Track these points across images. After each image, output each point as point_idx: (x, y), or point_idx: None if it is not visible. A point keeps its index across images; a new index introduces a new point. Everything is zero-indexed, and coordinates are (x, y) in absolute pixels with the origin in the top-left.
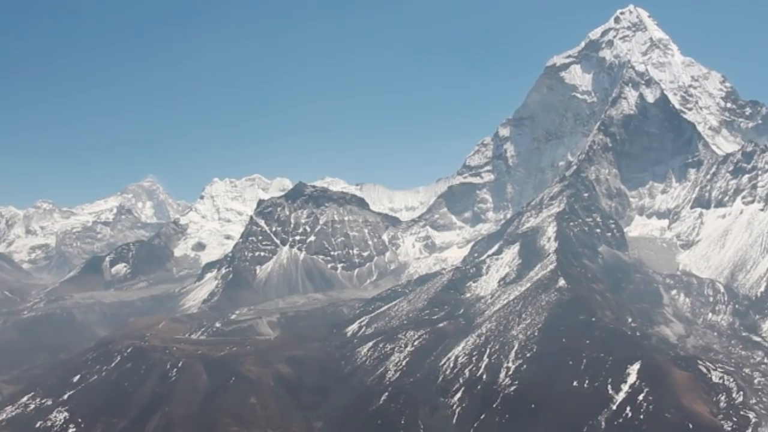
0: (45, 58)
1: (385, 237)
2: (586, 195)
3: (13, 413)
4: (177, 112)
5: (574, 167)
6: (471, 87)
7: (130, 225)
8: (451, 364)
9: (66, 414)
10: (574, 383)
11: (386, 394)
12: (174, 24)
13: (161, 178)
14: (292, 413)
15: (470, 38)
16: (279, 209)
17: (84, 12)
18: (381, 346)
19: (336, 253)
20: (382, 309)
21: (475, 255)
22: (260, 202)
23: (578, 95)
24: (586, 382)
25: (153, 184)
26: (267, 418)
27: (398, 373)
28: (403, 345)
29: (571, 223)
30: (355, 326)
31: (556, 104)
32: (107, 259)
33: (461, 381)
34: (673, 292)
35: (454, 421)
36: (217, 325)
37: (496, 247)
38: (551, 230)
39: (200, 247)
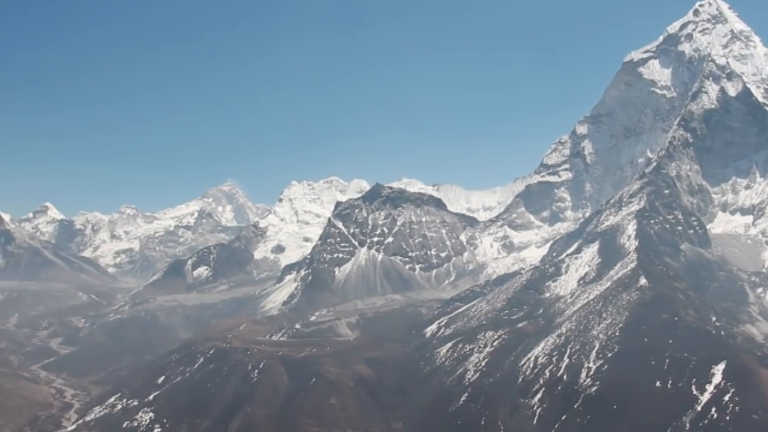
0: (127, 64)
1: (462, 237)
2: (666, 192)
3: (101, 413)
4: (256, 115)
5: (654, 164)
6: (547, 85)
7: (211, 229)
8: (531, 365)
9: (151, 414)
10: (657, 384)
11: (466, 394)
12: (252, 27)
13: (240, 181)
14: (372, 414)
15: (546, 35)
16: (357, 211)
17: (161, 16)
18: (460, 346)
19: (414, 254)
20: (460, 309)
21: (554, 254)
22: (338, 204)
23: (657, 90)
24: (670, 382)
25: (233, 188)
26: (347, 418)
27: (478, 374)
28: (482, 345)
29: (652, 221)
30: (433, 327)
31: (634, 100)
32: (189, 262)
33: (541, 381)
34: (759, 290)
35: (535, 422)
36: (297, 326)
37: (575, 246)
38: (631, 228)
39: (279, 249)
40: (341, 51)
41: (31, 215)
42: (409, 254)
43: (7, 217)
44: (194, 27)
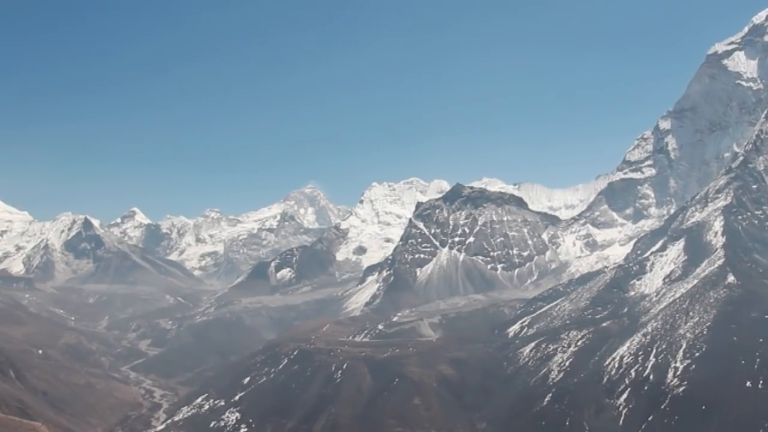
0: (211, 68)
1: (544, 236)
2: (754, 187)
3: (189, 413)
4: (336, 117)
5: (741, 158)
6: (629, 80)
7: (294, 231)
8: (616, 365)
9: (238, 414)
10: (748, 383)
11: (550, 394)
12: (333, 28)
13: (322, 184)
14: (455, 414)
15: (627, 29)
16: (437, 211)
17: (240, 17)
18: (543, 346)
19: (495, 254)
20: (543, 309)
21: (638, 252)
22: (419, 204)
23: (743, 83)
24: (761, 382)
25: (314, 190)
26: (431, 418)
27: (562, 374)
28: (566, 345)
29: (739, 217)
30: (516, 327)
31: (719, 93)
32: (272, 264)
33: (627, 381)
34: None
35: (621, 422)
36: (380, 327)
37: (659, 244)
38: (718, 224)
39: (361, 250)
40: (422, 50)
41: (119, 220)
42: (491, 254)
43: (96, 223)
44: (277, 29)
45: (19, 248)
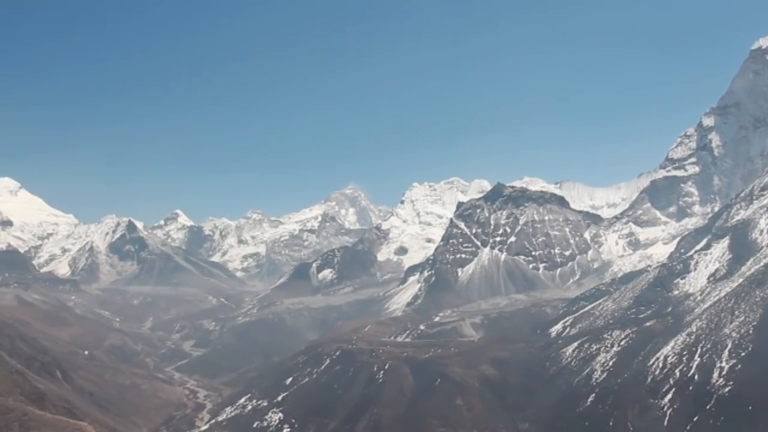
0: (250, 69)
1: (586, 235)
2: None
3: (233, 413)
4: (376, 118)
5: None
6: (671, 77)
7: (335, 232)
8: (660, 364)
9: (280, 415)
10: None
11: (593, 395)
12: (372, 27)
13: (362, 184)
14: (498, 414)
15: (668, 27)
16: (478, 211)
17: (279, 17)
18: (586, 346)
19: (537, 253)
20: (586, 308)
21: (682, 251)
22: (459, 204)
23: None
24: None
25: (355, 191)
26: (473, 419)
27: (605, 374)
28: (609, 345)
29: None
30: (559, 326)
31: (763, 89)
32: (314, 265)
33: (671, 382)
34: None
35: (665, 423)
36: (422, 327)
37: (704, 242)
38: (764, 222)
39: (402, 251)
40: (462, 51)
41: (162, 222)
42: (533, 253)
43: (140, 225)
44: (318, 30)
45: (65, 251)
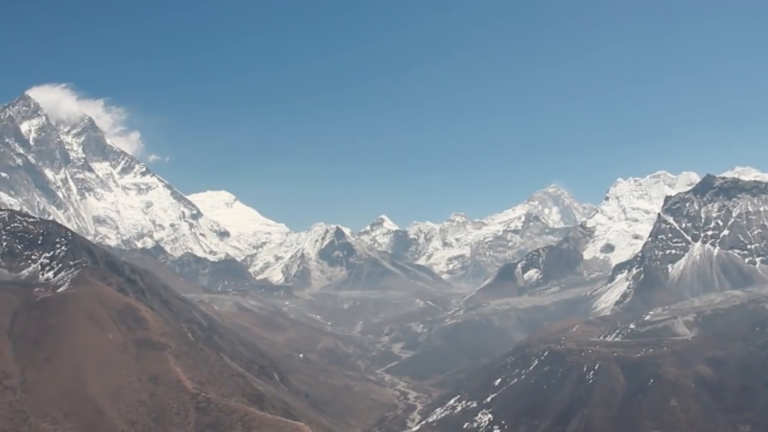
0: (446, 74)
1: None
2: None
3: (443, 415)
4: (577, 116)
5: None
6: None
7: (539, 231)
8: None
9: (490, 416)
10: None
11: None
12: (570, 29)
13: (565, 182)
14: (715, 417)
15: None
16: (687, 204)
17: (464, 23)
18: None
19: (753, 247)
20: None
21: None
22: (667, 198)
23: None
24: None
25: (557, 189)
26: (689, 421)
27: None
28: None
29: None
30: None
31: None
32: (519, 265)
33: None
34: None
35: None
36: (631, 326)
37: None
38: None
39: (609, 248)
40: (662, 46)
41: (368, 228)
42: (748, 247)
43: (347, 231)
44: (512, 30)
45: (278, 258)
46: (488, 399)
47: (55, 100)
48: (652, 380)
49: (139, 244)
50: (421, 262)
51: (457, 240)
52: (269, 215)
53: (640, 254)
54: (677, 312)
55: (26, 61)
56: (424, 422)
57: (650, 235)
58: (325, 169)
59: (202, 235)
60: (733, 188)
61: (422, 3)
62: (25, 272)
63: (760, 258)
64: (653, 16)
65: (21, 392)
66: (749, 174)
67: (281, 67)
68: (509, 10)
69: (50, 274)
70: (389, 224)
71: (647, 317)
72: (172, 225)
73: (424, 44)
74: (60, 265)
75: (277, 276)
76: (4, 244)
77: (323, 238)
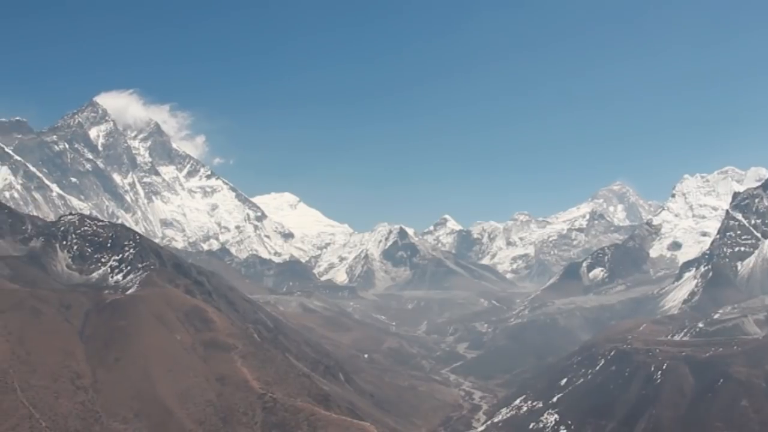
0: (511, 72)
1: None
2: None
3: (508, 415)
4: (642, 112)
5: None
6: None
7: (603, 229)
8: None
9: (556, 416)
10: None
11: None
12: (636, 30)
13: (630, 180)
14: None
15: None
16: (757, 200)
17: (502, 22)
18: None
19: None
20: None
21: None
22: (735, 194)
23: None
24: None
25: (622, 187)
26: (761, 422)
27: None
28: None
29: None
30: None
31: None
32: (584, 264)
33: None
34: None
35: None
36: (700, 325)
37: None
38: None
39: (675, 246)
40: (732, 43)
41: (432, 228)
42: None
43: (411, 232)
44: (569, 27)
45: (342, 259)
46: (554, 399)
47: (122, 105)
48: (721, 380)
49: (205, 246)
50: (485, 261)
51: (521, 239)
52: (333, 216)
53: (708, 252)
54: (747, 310)
55: (94, 68)
56: (489, 422)
57: (718, 232)
58: (388, 169)
59: (267, 236)
60: None
61: (484, 1)
62: (95, 275)
63: None
64: (724, 13)
65: (92, 392)
66: None
67: (344, 67)
68: (573, 6)
69: (119, 277)
70: (453, 224)
71: (716, 316)
72: (237, 227)
73: (486, 42)
74: (129, 268)
75: (341, 277)
76: (75, 247)
77: (387, 239)
